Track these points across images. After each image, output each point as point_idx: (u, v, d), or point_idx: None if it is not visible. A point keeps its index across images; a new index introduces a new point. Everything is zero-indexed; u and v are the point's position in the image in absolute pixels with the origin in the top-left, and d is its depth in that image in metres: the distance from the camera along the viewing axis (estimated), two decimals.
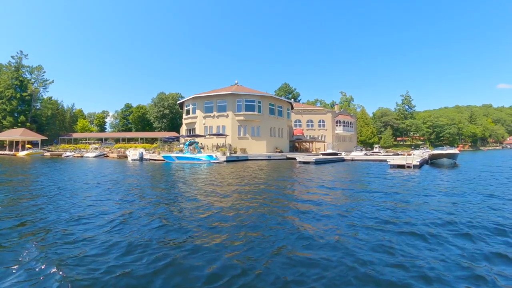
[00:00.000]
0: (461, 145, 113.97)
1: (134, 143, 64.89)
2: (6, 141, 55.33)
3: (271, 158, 34.61)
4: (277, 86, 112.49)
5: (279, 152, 40.86)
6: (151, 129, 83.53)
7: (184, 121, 47.06)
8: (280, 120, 44.05)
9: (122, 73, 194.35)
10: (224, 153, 34.01)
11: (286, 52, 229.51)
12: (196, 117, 43.06)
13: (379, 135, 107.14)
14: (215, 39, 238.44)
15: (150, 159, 35.91)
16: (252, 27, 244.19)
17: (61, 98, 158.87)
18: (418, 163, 20.43)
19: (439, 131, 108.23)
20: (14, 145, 55.47)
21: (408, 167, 20.26)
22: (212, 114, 41.04)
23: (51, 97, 73.39)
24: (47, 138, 60.72)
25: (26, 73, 64.40)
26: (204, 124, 41.58)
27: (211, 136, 38.38)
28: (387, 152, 59.53)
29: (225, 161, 29.25)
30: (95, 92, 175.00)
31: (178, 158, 30.25)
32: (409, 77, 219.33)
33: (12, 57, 62.13)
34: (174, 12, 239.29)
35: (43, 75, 65.73)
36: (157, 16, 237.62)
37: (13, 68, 61.27)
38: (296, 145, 58.43)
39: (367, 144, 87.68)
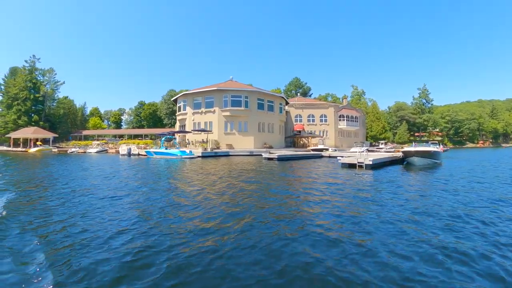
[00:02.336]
0: (481, 142, 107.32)
1: (140, 139, 66.46)
2: (20, 138, 58.57)
3: (253, 153, 34.03)
4: (288, 81, 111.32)
5: (269, 147, 40.21)
6: (162, 125, 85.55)
7: (177, 118, 47.70)
8: (271, 115, 43.28)
9: (139, 71, 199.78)
10: (205, 148, 33.99)
11: (297, 47, 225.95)
12: (186, 114, 43.50)
13: (395, 130, 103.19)
14: (227, 36, 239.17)
15: (139, 154, 36.60)
16: (263, 22, 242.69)
17: (76, 98, 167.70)
18: (370, 163, 17.13)
19: (458, 126, 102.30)
20: (28, 142, 58.61)
21: (360, 166, 17.39)
22: (200, 111, 41.14)
23: (67, 96, 77.48)
24: (57, 135, 63.55)
25: (39, 76, 67.58)
26: (193, 120, 41.81)
27: (199, 132, 38.36)
28: (394, 148, 57.19)
29: (199, 157, 29.10)
30: (113, 90, 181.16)
31: (155, 153, 30.64)
32: (429, 70, 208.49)
33: (26, 61, 65.78)
34: (187, 7, 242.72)
35: (54, 77, 69.01)
36: (171, 12, 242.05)
37: (27, 71, 64.69)
38: (295, 140, 57.47)
39: (378, 140, 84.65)
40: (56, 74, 68.92)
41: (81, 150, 50.81)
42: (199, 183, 11.74)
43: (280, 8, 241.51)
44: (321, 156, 30.09)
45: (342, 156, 20.64)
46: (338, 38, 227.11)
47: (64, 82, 70.93)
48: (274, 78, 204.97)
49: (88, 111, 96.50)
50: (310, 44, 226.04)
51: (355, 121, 67.94)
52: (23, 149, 52.94)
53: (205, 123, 40.35)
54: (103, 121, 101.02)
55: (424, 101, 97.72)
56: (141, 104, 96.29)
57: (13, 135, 58.02)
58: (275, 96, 45.24)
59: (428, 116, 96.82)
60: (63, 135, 67.90)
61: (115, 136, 73.44)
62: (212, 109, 39.90)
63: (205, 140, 36.83)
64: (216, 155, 31.51)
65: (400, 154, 22.80)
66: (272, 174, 14.96)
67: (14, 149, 55.66)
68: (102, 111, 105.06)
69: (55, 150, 53.40)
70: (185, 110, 43.89)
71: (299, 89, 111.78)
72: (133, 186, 11.02)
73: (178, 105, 47.09)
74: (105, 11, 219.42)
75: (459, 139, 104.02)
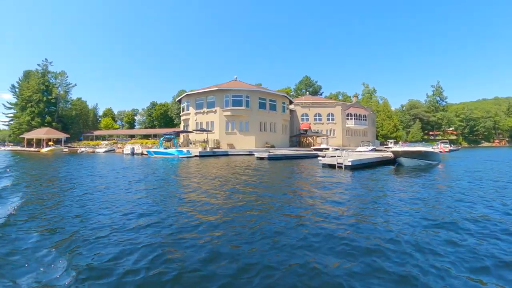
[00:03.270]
0: (497, 141, 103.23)
1: (150, 139, 67.80)
2: (33, 139, 60.94)
3: (252, 153, 34.03)
4: (299, 80, 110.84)
5: (270, 147, 40.13)
6: (173, 125, 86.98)
7: (181, 118, 48.37)
8: (273, 114, 43.14)
9: (153, 71, 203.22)
10: (204, 148, 34.33)
11: (308, 45, 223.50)
12: (189, 114, 44.07)
13: (408, 129, 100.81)
14: (238, 36, 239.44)
15: (142, 154, 37.40)
16: (272, 21, 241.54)
17: (92, 99, 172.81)
18: (349, 164, 16.08)
19: (473, 124, 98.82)
20: (41, 142, 60.87)
21: (339, 167, 16.46)
22: (202, 111, 41.58)
23: (80, 98, 80.00)
24: (70, 136, 65.68)
25: (51, 78, 70.02)
26: (195, 120, 42.30)
27: (200, 132, 38.80)
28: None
29: (196, 156, 29.39)
30: (128, 91, 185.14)
31: (155, 153, 31.22)
32: (444, 67, 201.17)
33: (38, 64, 68.48)
34: (200, 7, 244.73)
35: (66, 79, 71.32)
36: (183, 12, 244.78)
37: (40, 75, 67.10)
38: (301, 139, 57.10)
39: (389, 139, 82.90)
40: (68, 76, 71.53)
41: (90, 150, 52.43)
42: (170, 181, 12.30)
43: (290, 6, 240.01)
44: (317, 156, 29.51)
45: (323, 156, 19.94)
46: (350, 35, 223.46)
47: (75, 85, 73.45)
48: (284, 77, 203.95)
49: (101, 112, 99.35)
50: (320, 42, 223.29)
51: (363, 119, 66.68)
52: (36, 149, 55.00)
53: (207, 123, 40.72)
54: (116, 122, 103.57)
55: (438, 98, 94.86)
56: (153, 104, 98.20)
57: (27, 135, 60.45)
58: (277, 95, 45.06)
59: (442, 114, 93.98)
60: (75, 136, 70.19)
61: (125, 136, 75.25)
62: (213, 109, 40.20)
63: (205, 140, 37.16)
64: (214, 155, 31.72)
65: (390, 155, 20.66)
66: (247, 174, 14.85)
67: (28, 149, 57.98)
68: (115, 112, 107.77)
69: (66, 150, 55.27)
70: (188, 110, 44.51)
71: (310, 87, 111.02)
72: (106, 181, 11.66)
73: (182, 105, 47.85)
74: (119, 12, 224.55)
75: (474, 138, 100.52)
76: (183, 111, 47.00)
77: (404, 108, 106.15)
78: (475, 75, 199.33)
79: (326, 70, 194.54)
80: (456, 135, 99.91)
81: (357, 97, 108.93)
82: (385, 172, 15.78)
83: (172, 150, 29.86)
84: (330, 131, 60.47)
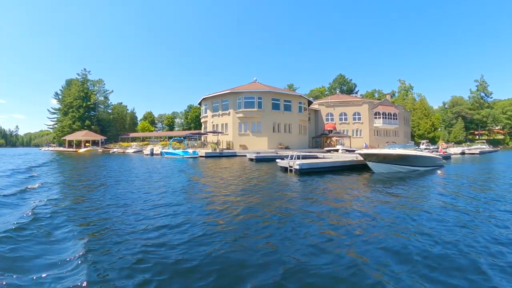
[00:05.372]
0: None
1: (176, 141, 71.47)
2: (73, 140, 67.20)
3: (259, 154, 34.03)
4: (333, 78, 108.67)
5: (284, 148, 39.75)
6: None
7: (201, 120, 50.01)
8: (288, 115, 42.59)
9: (195, 74, 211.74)
10: (214, 149, 35.24)
11: (342, 41, 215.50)
12: (207, 116, 45.35)
13: (450, 128, 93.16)
14: (269, 37, 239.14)
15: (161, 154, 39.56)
16: (305, 18, 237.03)
17: (136, 103, 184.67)
18: (297, 167, 14.64)
19: None
20: (80, 143, 67.02)
21: (291, 171, 15.15)
22: (218, 113, 42.54)
23: (121, 103, 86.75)
24: (106, 137, 71.39)
25: (91, 86, 76.68)
26: (212, 122, 43.41)
27: (214, 133, 39.86)
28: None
29: (202, 157, 30.29)
30: (171, 95, 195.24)
31: (166, 153, 32.98)
32: (491, 59, 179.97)
33: (78, 74, 75.55)
34: (237, 7, 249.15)
35: (103, 86, 77.59)
36: (220, 15, 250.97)
37: (79, 83, 73.87)
38: (323, 140, 55.52)
39: (426, 139, 77.22)
40: (105, 84, 78.31)
41: (121, 150, 56.47)
42: (146, 177, 14.11)
43: (322, 2, 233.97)
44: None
45: (282, 159, 17.90)
46: (386, 29, 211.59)
47: (112, 91, 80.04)
48: (319, 77, 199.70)
49: (141, 115, 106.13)
50: (355, 38, 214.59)
51: (393, 118, 62.66)
52: (74, 150, 60.52)
53: (222, 125, 41.59)
54: (156, 124, 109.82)
55: (482, 94, 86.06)
56: (190, 107, 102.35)
57: (68, 137, 67.33)
58: (292, 95, 44.42)
59: (487, 112, 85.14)
60: (112, 137, 76.17)
61: (157, 138, 79.64)
62: (227, 111, 40.92)
63: (215, 141, 38.09)
64: (221, 155, 32.30)
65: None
66: (221, 174, 14.88)
67: (68, 149, 64.36)
68: (156, 115, 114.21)
69: (100, 150, 60.21)
70: (206, 113, 45.86)
71: (344, 86, 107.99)
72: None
73: (202, 108, 49.42)
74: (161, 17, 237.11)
75: None
76: (202, 113, 48.60)
77: (446, 106, 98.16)
78: None
79: (362, 67, 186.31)
80: (503, 134, 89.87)
81: (394, 94, 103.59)
82: (340, 179, 13.21)
83: (178, 151, 31.36)
84: (357, 131, 58.15)
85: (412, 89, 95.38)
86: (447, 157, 27.59)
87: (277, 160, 17.88)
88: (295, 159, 15.29)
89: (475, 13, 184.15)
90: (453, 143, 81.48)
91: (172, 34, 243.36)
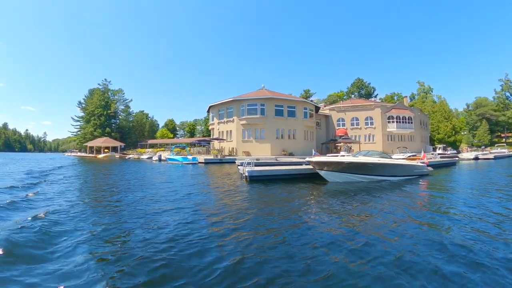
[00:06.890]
0: None
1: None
2: (94, 146, 71.29)
3: (260, 159, 34.59)
4: (351, 82, 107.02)
5: (288, 154, 40.00)
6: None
7: (209, 127, 51.51)
8: (292, 121, 42.79)
9: (213, 82, 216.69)
10: (216, 155, 36.30)
11: (360, 45, 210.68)
12: (214, 124, 46.71)
13: (474, 132, 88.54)
14: (288, 42, 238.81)
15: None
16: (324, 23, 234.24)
17: (160, 111, 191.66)
18: (246, 174, 14.28)
19: None
20: (100, 149, 70.90)
21: (245, 178, 14.69)
22: (223, 120, 43.69)
23: (143, 111, 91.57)
24: (125, 144, 75.03)
25: (111, 95, 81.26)
26: (218, 129, 44.61)
27: (221, 140, 41.06)
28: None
29: (201, 163, 31.47)
30: (192, 103, 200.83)
31: (168, 159, 34.67)
32: None
33: (99, 84, 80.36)
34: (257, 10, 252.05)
35: (123, 96, 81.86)
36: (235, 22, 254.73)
37: (101, 92, 78.42)
38: (332, 146, 54.95)
39: (446, 144, 73.79)
40: (124, 93, 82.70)
41: (136, 156, 59.17)
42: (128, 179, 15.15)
43: (339, 7, 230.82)
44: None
45: (240, 164, 17.33)
46: (405, 31, 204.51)
47: (131, 100, 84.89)
48: (337, 81, 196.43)
49: (163, 123, 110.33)
50: (374, 41, 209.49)
51: (408, 122, 60.22)
52: (94, 155, 64.26)
53: (227, 131, 42.64)
54: (177, 131, 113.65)
55: (507, 94, 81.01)
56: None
57: (89, 143, 71.69)
58: (296, 101, 44.60)
59: None
60: (131, 144, 79.94)
61: (174, 144, 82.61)
62: (231, 119, 41.93)
63: (217, 148, 39.22)
64: (221, 162, 33.21)
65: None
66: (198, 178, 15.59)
67: (89, 155, 68.76)
68: (177, 122, 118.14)
69: (117, 156, 63.39)
70: (213, 121, 47.24)
71: (362, 89, 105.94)
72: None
73: (210, 115, 50.92)
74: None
75: None
76: (210, 121, 50.05)
77: (470, 107, 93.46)
78: None
79: (381, 70, 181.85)
80: None
81: (413, 97, 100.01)
82: (285, 188, 12.43)
83: (178, 157, 32.88)
84: (369, 136, 56.75)
85: (432, 91, 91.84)
86: (436, 165, 25.74)
87: (238, 167, 17.51)
88: (245, 165, 15.46)
89: (496, 10, 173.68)
90: (480, 146, 77.34)
91: (200, 45, 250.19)
